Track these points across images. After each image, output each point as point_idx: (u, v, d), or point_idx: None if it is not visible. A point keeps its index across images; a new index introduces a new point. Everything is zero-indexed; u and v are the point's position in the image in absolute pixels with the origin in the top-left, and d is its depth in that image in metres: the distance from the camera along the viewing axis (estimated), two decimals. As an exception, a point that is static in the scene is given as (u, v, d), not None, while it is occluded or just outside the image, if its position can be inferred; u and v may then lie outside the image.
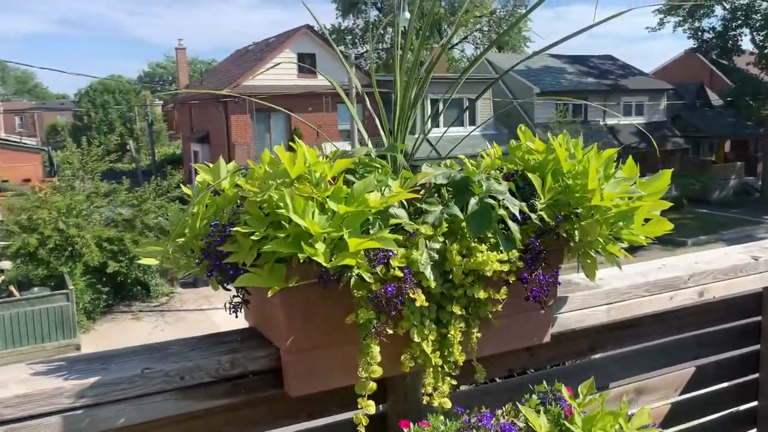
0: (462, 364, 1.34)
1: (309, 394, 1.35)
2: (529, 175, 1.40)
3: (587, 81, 30.63)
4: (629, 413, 1.34)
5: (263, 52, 28.33)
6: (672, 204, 1.54)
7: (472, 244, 1.30)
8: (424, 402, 1.32)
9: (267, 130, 26.21)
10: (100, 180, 17.66)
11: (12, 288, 15.22)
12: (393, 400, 1.57)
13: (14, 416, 1.16)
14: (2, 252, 16.39)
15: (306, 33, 26.09)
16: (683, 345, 2.08)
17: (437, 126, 19.19)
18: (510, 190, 1.35)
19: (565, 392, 1.41)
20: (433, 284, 1.27)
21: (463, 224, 1.30)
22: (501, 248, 1.31)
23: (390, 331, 1.24)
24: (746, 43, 33.37)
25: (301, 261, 1.15)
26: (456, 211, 1.30)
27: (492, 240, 1.32)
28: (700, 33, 34.13)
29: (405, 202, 1.31)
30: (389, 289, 1.21)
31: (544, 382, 1.48)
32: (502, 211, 1.31)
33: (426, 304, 1.27)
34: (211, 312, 16.05)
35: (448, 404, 1.31)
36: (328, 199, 1.20)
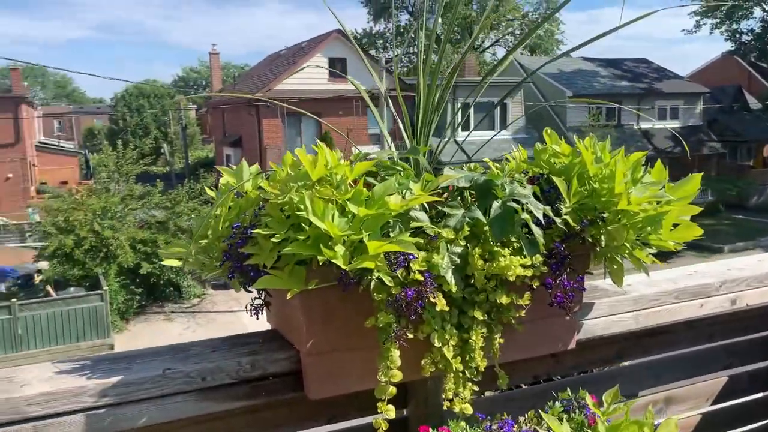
0: (484, 369, 1.32)
1: (329, 398, 1.35)
2: (554, 178, 1.37)
3: (621, 84, 30.21)
4: (655, 423, 1.30)
5: (295, 56, 28.61)
6: (703, 209, 1.49)
7: (495, 248, 1.28)
8: (445, 407, 1.30)
9: (298, 134, 26.40)
10: (135, 183, 18.01)
11: (49, 288, 15.60)
12: (414, 405, 1.56)
13: (39, 414, 1.18)
14: (40, 253, 16.81)
15: (337, 37, 26.21)
16: (714, 354, 2.03)
17: (467, 129, 19.09)
18: (534, 194, 1.33)
19: (589, 400, 1.38)
20: (454, 288, 1.25)
21: (486, 228, 1.28)
22: (524, 253, 1.29)
23: (410, 336, 1.23)
24: (786, 46, 32.62)
25: (321, 263, 1.15)
26: (478, 214, 1.28)
27: (515, 244, 1.30)
28: (738, 35, 33.45)
29: (426, 205, 1.30)
30: (409, 292, 1.19)
31: (569, 389, 1.46)
32: (525, 215, 1.29)
33: (447, 308, 1.25)
34: (242, 314, 16.15)
35: (469, 410, 1.29)
36: (348, 202, 1.19)
